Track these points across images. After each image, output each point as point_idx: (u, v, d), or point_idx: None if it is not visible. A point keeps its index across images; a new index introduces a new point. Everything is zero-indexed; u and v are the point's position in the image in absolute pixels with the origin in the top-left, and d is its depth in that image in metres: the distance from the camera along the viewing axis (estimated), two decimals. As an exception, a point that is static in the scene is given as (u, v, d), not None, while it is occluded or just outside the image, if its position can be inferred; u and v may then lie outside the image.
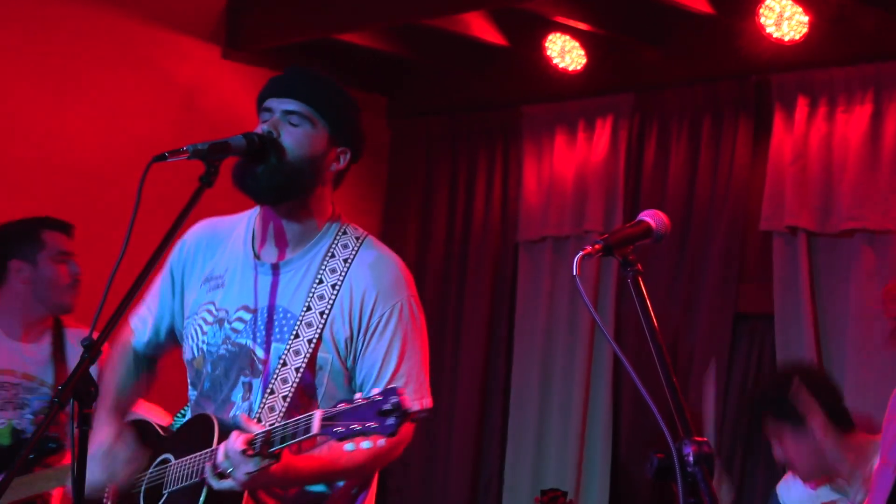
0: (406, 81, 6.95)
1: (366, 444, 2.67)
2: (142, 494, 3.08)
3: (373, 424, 2.60)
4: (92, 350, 2.57)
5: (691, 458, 2.11)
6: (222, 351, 3.10)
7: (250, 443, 2.77)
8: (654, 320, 2.29)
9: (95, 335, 2.58)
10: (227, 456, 2.79)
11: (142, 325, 3.29)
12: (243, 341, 3.08)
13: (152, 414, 4.43)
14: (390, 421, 2.58)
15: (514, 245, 6.59)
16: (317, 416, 2.67)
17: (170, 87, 6.21)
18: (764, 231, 5.73)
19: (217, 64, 6.37)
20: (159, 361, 3.36)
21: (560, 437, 6.25)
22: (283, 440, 2.74)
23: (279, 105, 3.07)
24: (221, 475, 2.81)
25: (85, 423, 2.57)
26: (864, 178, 5.43)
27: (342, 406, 2.65)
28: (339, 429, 2.63)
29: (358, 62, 6.58)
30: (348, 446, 2.72)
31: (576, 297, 6.21)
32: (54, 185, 5.71)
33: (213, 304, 3.14)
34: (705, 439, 2.13)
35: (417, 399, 3.06)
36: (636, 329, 5.86)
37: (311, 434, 2.67)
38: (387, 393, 2.61)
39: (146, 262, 2.69)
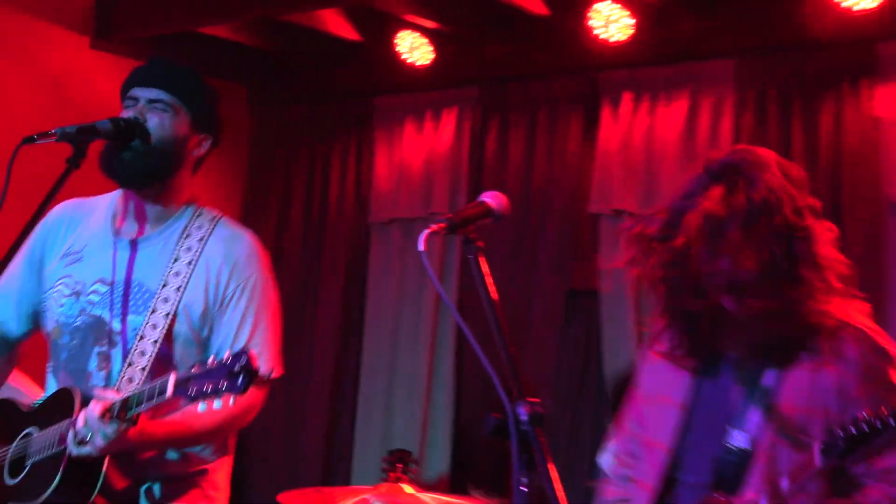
0: (266, 72, 6.88)
1: (217, 404, 2.60)
2: (6, 468, 2.98)
3: (224, 384, 2.56)
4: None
5: (525, 418, 2.13)
6: (78, 322, 3.03)
7: (109, 409, 2.70)
8: (494, 294, 2.30)
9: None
10: (86, 423, 2.72)
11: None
12: (99, 313, 3.02)
13: (25, 387, 4.32)
14: (241, 381, 2.55)
15: (366, 227, 6.58)
16: (171, 379, 2.62)
17: (40, 75, 6.01)
18: (593, 213, 5.80)
19: (86, 53, 6.20)
20: (21, 344, 3.25)
21: (406, 402, 6.28)
22: (138, 404, 2.67)
23: (144, 94, 3.03)
24: (82, 442, 2.74)
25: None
26: (682, 165, 5.53)
27: (195, 370, 2.60)
28: (193, 391, 2.59)
29: (221, 53, 6.49)
30: (201, 407, 2.68)
31: (423, 274, 6.23)
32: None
33: (71, 276, 3.08)
34: (538, 400, 2.15)
35: (270, 368, 3.02)
36: (477, 302, 5.89)
37: (165, 396, 2.62)
38: (237, 355, 2.57)
39: (11, 245, 2.63)
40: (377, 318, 6.47)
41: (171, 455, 3.02)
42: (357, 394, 6.48)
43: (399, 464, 4.86)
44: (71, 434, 2.76)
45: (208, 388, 2.58)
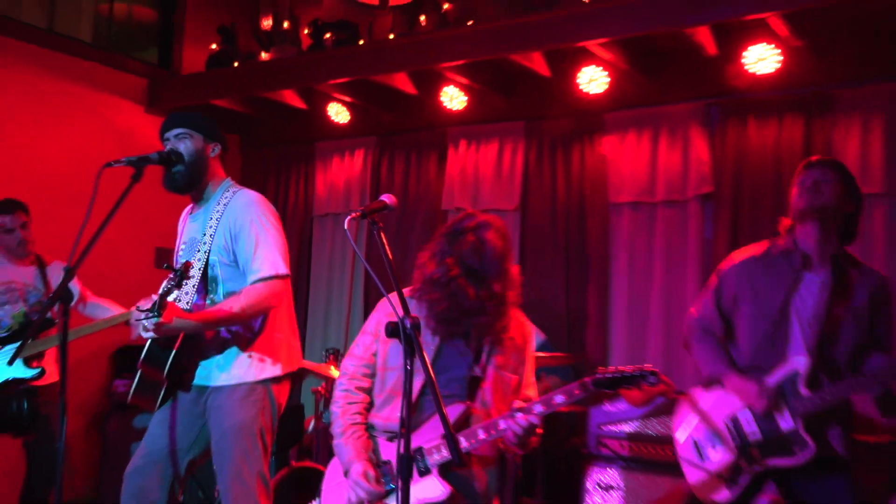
0: (251, 128, 6.73)
1: (177, 294, 2.59)
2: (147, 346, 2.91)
3: (175, 282, 2.59)
4: (69, 273, 2.45)
5: (408, 325, 2.14)
6: (178, 266, 2.98)
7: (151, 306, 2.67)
8: (391, 256, 2.30)
9: (71, 265, 2.44)
10: (143, 316, 2.69)
11: None
12: (184, 258, 3.02)
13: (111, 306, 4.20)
14: (177, 278, 2.59)
15: (311, 219, 6.50)
16: (166, 281, 2.65)
17: (110, 131, 5.82)
18: (444, 209, 5.82)
19: (142, 117, 6.02)
20: None
21: (336, 321, 6.23)
22: (159, 299, 2.64)
23: (170, 134, 3.01)
24: (146, 329, 2.70)
25: (65, 315, 2.46)
26: (495, 182, 5.61)
27: (171, 275, 2.61)
28: (169, 286, 2.59)
29: (225, 116, 6.34)
30: (226, 305, 2.66)
31: (347, 246, 6.19)
32: (33, 188, 5.25)
33: (180, 241, 3.12)
34: (416, 316, 2.16)
35: (273, 270, 2.93)
36: (379, 260, 5.88)
37: (163, 289, 2.60)
38: (180, 265, 2.62)
39: (97, 227, 2.56)
40: (318, 274, 6.40)
41: (224, 336, 2.92)
42: (307, 315, 6.41)
43: (332, 355, 4.84)
44: (142, 325, 2.71)
45: (171, 284, 2.60)
